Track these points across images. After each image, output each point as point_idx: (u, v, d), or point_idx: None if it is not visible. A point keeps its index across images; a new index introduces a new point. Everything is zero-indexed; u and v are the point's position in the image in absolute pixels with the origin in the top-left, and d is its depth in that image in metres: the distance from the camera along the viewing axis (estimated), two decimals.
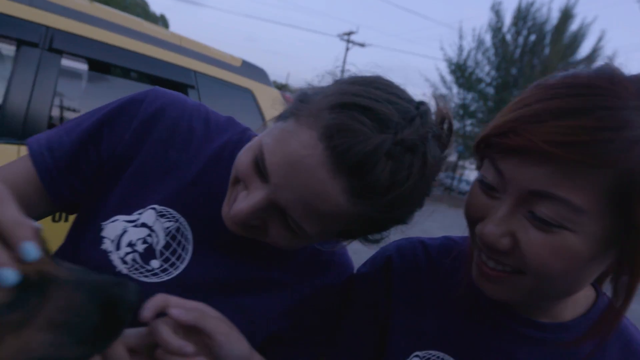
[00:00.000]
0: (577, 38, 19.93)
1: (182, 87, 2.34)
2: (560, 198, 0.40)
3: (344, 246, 0.67)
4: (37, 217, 0.63)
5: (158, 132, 0.62)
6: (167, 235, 0.59)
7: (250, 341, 0.57)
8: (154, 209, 0.60)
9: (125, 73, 2.17)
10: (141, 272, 0.58)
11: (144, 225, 0.59)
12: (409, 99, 0.52)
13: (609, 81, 0.42)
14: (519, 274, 0.46)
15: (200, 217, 0.61)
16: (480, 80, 21.78)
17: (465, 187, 28.50)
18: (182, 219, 0.61)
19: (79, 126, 0.63)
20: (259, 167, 0.51)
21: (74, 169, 0.61)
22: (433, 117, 0.55)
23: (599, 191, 0.40)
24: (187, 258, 0.60)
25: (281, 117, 0.55)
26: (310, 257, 0.67)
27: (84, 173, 0.62)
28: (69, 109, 1.96)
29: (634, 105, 0.40)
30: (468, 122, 23.02)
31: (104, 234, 0.59)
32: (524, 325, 0.55)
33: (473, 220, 0.49)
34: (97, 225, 0.59)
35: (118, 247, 0.58)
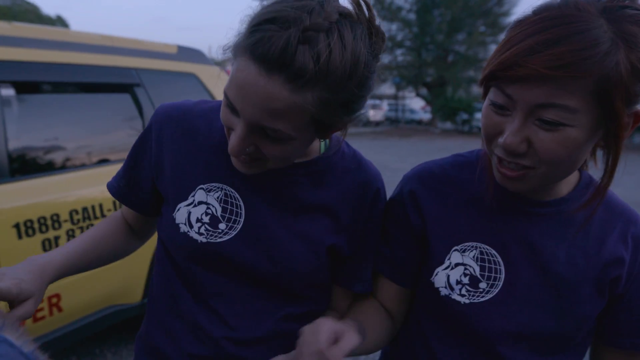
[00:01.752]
0: None
1: (128, 87, 2.29)
2: (560, 105, 0.54)
3: (341, 142, 0.79)
4: (143, 228, 0.92)
5: (172, 133, 0.78)
6: (219, 202, 0.74)
7: (316, 259, 0.74)
8: (201, 188, 0.75)
9: (65, 87, 2.10)
10: (216, 236, 0.73)
11: (200, 202, 0.74)
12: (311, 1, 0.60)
13: (575, 8, 0.54)
14: (532, 169, 0.60)
15: (236, 178, 0.75)
16: (400, 9, 21.85)
17: (410, 116, 29.13)
18: (224, 186, 0.75)
19: (125, 161, 0.85)
20: (231, 108, 0.62)
21: (131, 185, 0.83)
22: (347, 5, 0.63)
23: (586, 94, 0.53)
24: (243, 212, 0.74)
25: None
26: (341, 173, 0.78)
27: (141, 186, 0.82)
28: (23, 141, 1.89)
29: (598, 24, 0.53)
30: (398, 52, 23.25)
31: (177, 221, 0.74)
32: (533, 205, 0.69)
33: (491, 136, 0.62)
34: (170, 217, 0.76)
35: (191, 226, 0.74)
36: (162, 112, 0.80)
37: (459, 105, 21.61)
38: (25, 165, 1.87)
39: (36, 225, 1.77)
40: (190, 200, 0.74)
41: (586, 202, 0.66)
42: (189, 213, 0.74)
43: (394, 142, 15.97)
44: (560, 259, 0.68)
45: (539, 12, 0.56)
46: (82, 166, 2.08)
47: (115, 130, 2.29)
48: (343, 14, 0.60)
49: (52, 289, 1.83)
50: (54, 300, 1.85)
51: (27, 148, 1.91)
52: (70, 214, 1.89)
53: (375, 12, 0.65)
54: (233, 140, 0.63)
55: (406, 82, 23.64)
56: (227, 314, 0.75)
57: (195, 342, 0.75)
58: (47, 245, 1.80)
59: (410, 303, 0.83)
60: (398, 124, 26.47)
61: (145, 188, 0.82)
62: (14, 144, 1.83)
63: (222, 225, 0.73)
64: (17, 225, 1.72)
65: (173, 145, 0.77)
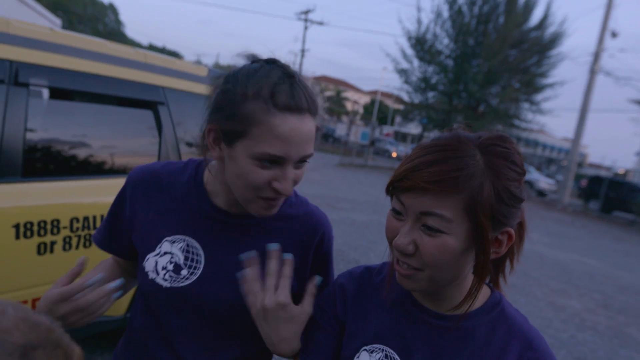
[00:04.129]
0: (529, 5, 20.37)
1: (152, 105, 2.35)
2: (438, 214, 0.64)
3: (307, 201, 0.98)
4: (126, 270, 1.02)
5: (142, 192, 0.92)
6: (182, 251, 0.87)
7: None
8: (167, 240, 0.88)
9: (92, 97, 2.16)
10: (178, 281, 0.85)
11: (166, 253, 0.87)
12: (264, 62, 0.79)
13: (457, 140, 0.67)
14: (421, 270, 0.69)
15: (197, 230, 0.88)
16: (439, 53, 22.05)
17: None
18: (187, 237, 0.88)
19: (107, 216, 0.98)
20: (270, 164, 0.76)
21: (113, 236, 0.97)
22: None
23: (458, 207, 0.64)
24: (203, 259, 0.87)
25: (233, 139, 0.77)
26: (290, 220, 0.92)
27: (121, 237, 0.95)
28: (41, 146, 1.95)
29: (471, 154, 0.65)
30: (430, 94, 23.37)
31: (146, 270, 0.87)
32: (435, 317, 0.76)
33: (390, 238, 0.72)
34: (141, 266, 0.89)
35: (157, 273, 0.86)
36: (134, 174, 0.93)
37: None
38: (37, 168, 1.92)
39: (35, 228, 1.81)
40: (157, 251, 0.87)
41: (458, 305, 0.73)
42: (156, 262, 0.86)
43: None
44: None
45: (434, 140, 0.69)
46: (91, 175, 2.12)
47: (131, 145, 2.34)
48: (286, 64, 0.80)
49: (37, 292, 1.85)
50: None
51: (43, 151, 1.96)
52: (71, 221, 1.92)
53: None
54: (287, 184, 0.78)
55: (433, 124, 23.66)
56: (186, 351, 0.87)
57: None
58: (42, 249, 1.83)
59: None
60: None
61: (125, 238, 0.95)
62: (31, 146, 1.89)
63: (184, 272, 0.86)
64: (16, 226, 1.75)
65: (144, 204, 0.90)
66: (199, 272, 0.86)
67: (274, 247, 0.81)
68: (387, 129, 46.05)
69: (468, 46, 21.30)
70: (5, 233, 1.73)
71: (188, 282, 0.85)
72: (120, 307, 2.25)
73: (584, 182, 19.44)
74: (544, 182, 21.46)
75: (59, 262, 1.89)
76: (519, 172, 0.68)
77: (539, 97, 21.79)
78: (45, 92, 1.96)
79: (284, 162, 0.76)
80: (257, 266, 0.79)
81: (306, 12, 32.09)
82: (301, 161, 0.79)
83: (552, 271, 6.79)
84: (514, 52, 20.74)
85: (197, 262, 0.86)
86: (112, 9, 37.39)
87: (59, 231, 1.89)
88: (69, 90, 2.04)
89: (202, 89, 2.67)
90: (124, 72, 2.20)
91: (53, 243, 1.87)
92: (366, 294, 0.83)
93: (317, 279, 0.82)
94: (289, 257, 0.80)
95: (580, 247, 9.51)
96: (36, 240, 1.82)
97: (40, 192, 1.87)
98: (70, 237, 1.93)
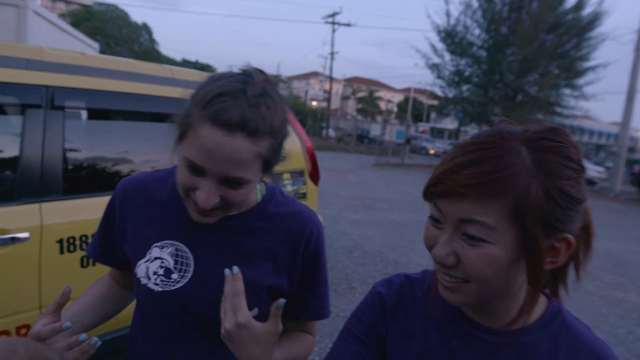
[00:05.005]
0: None
1: None
2: (479, 221, 0.58)
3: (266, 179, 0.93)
4: (130, 282, 1.03)
5: (130, 203, 0.95)
6: (172, 256, 0.88)
7: (258, 300, 0.86)
8: (156, 246, 0.89)
9: (123, 115, 2.26)
10: (169, 284, 0.87)
11: (156, 258, 0.88)
12: (235, 74, 0.79)
13: (499, 137, 0.60)
14: (467, 282, 0.62)
15: (184, 234, 0.89)
16: (471, 44, 21.52)
17: None
18: (175, 242, 0.89)
19: (99, 228, 1.01)
20: (194, 170, 0.76)
21: (106, 248, 1.00)
22: (257, 75, 0.81)
23: (502, 213, 0.57)
24: (192, 262, 0.88)
25: (179, 139, 0.80)
26: (276, 219, 0.92)
27: (115, 247, 0.98)
28: (78, 164, 2.06)
29: (515, 151, 0.58)
30: (465, 87, 22.84)
31: (138, 276, 0.89)
32: (488, 333, 0.69)
33: (430, 247, 0.65)
34: (134, 273, 0.91)
35: (149, 279, 0.88)
36: (122, 186, 0.97)
37: None
38: (77, 185, 2.02)
39: (77, 243, 1.90)
40: (147, 257, 0.89)
41: (513, 319, 0.65)
42: (147, 268, 0.88)
43: None
44: None
45: (473, 138, 0.63)
46: None
47: (164, 159, 2.42)
48: (265, 80, 0.79)
49: None
50: None
51: (81, 169, 2.06)
52: None
53: None
54: (202, 197, 0.76)
55: (470, 118, 23.10)
56: (179, 355, 0.88)
57: None
58: (85, 262, 1.92)
59: None
60: None
61: (118, 249, 0.97)
62: (70, 164, 1.99)
63: (174, 275, 0.87)
64: (60, 241, 1.85)
65: (132, 214, 0.93)
66: (190, 274, 0.87)
67: (229, 271, 0.77)
68: (423, 126, 45.32)
69: (501, 35, 20.68)
70: (50, 248, 1.82)
71: (179, 285, 0.86)
72: None
73: (636, 168, 18.37)
74: (592, 170, 20.44)
75: (101, 273, 1.97)
76: (575, 169, 0.59)
77: (580, 81, 20.86)
78: (81, 113, 2.06)
79: (204, 173, 0.75)
80: (236, 282, 0.76)
81: (333, 15, 32.17)
82: (231, 182, 0.76)
83: (605, 263, 6.45)
84: (551, 37, 19.95)
85: (187, 265, 0.87)
86: (146, 28, 38.83)
87: None
88: (102, 109, 2.13)
89: None
90: (152, 89, 2.28)
91: None
92: (407, 308, 0.77)
93: (281, 302, 0.76)
94: (235, 270, 0.77)
95: (635, 237, 8.99)
96: (79, 254, 1.91)
97: (80, 208, 1.96)
98: None
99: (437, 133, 47.09)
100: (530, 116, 20.68)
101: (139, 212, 0.93)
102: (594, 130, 50.33)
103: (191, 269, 0.87)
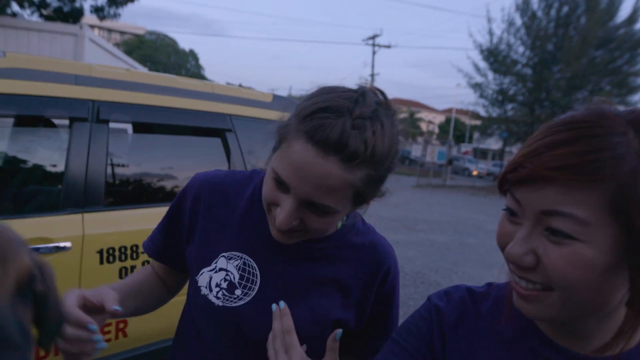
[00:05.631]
0: (615, 1, 18.80)
1: (220, 132, 2.45)
2: (566, 213, 0.47)
3: (363, 212, 0.84)
4: (173, 283, 1.00)
5: (204, 204, 0.87)
6: (238, 270, 0.81)
7: (320, 331, 0.79)
8: (223, 256, 0.83)
9: (165, 128, 2.31)
10: (231, 301, 0.80)
11: (221, 269, 0.82)
12: (349, 89, 0.71)
13: (598, 116, 0.50)
14: (548, 290, 0.51)
15: (256, 248, 0.82)
16: (515, 62, 21.01)
17: None
18: (244, 255, 0.82)
19: (161, 223, 0.94)
20: (279, 185, 0.69)
21: (165, 246, 0.93)
22: (372, 95, 0.73)
23: (597, 204, 0.46)
24: (258, 280, 0.81)
25: (274, 149, 0.74)
26: (355, 249, 0.84)
27: (174, 246, 0.91)
28: (121, 174, 2.11)
29: (619, 131, 0.48)
30: (509, 106, 22.23)
31: (199, 284, 0.83)
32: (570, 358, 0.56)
33: (503, 246, 0.55)
34: (194, 280, 0.84)
35: (211, 290, 0.81)
36: (197, 182, 0.89)
37: None
38: (118, 197, 2.06)
39: (117, 254, 1.92)
40: (212, 266, 0.83)
41: (607, 344, 0.52)
42: (210, 278, 0.82)
43: (494, 201, 15.04)
44: None
45: (562, 118, 0.53)
46: (164, 202, 2.23)
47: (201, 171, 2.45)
48: (378, 102, 0.71)
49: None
50: (121, 325, 1.96)
51: (123, 181, 2.10)
52: None
53: None
54: (281, 215, 0.70)
55: (515, 138, 22.38)
56: None
57: None
58: (124, 273, 1.94)
59: None
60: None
61: (179, 247, 0.90)
62: (112, 176, 2.04)
63: (237, 292, 0.80)
64: (100, 252, 1.88)
65: (205, 215, 0.86)
66: (254, 293, 0.80)
67: (277, 307, 0.72)
68: (465, 147, 44.40)
69: (547, 52, 20.06)
70: (90, 258, 1.85)
71: (241, 302, 0.79)
72: None
73: None
74: None
75: None
76: None
77: (635, 97, 19.81)
78: (125, 127, 2.12)
79: (288, 190, 0.69)
80: (285, 318, 0.70)
81: (373, 37, 32.45)
82: (315, 207, 0.69)
83: None
84: (601, 53, 19.16)
85: (252, 282, 0.81)
86: (193, 54, 40.61)
87: (137, 256, 1.99)
88: (146, 123, 2.19)
89: (268, 114, 2.74)
90: (193, 103, 2.33)
91: (133, 267, 1.98)
92: (469, 325, 0.66)
93: (338, 332, 0.71)
94: (282, 306, 0.71)
95: None
96: (118, 265, 1.93)
97: (120, 219, 1.99)
98: (148, 261, 2.02)
99: (480, 154, 45.94)
100: None
101: (212, 215, 0.85)
102: None
103: (256, 287, 0.80)
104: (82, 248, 1.83)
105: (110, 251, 1.90)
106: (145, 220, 2.08)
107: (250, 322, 0.79)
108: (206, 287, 0.81)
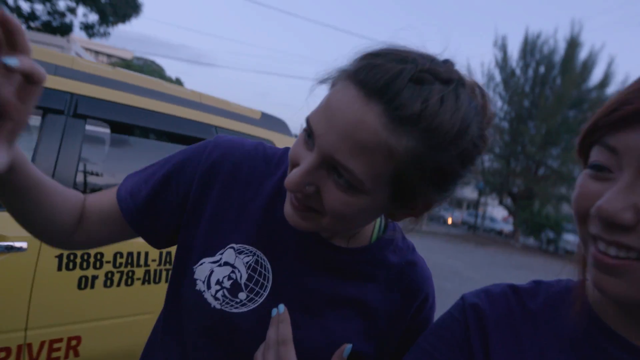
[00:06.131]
0: (588, 65, 19.91)
1: None
2: None
3: (407, 230, 0.67)
4: (122, 238, 0.75)
5: (222, 177, 0.68)
6: (248, 269, 0.65)
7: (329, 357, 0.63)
8: (232, 247, 0.66)
9: (147, 133, 2.18)
10: (231, 305, 0.64)
11: (226, 263, 0.65)
12: (435, 56, 0.55)
13: None
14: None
15: (274, 246, 0.66)
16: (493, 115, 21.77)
17: (490, 224, 27.76)
18: (258, 252, 0.66)
19: (153, 175, 0.71)
20: (307, 138, 0.55)
21: (151, 212, 0.70)
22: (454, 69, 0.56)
23: None
24: (269, 285, 0.65)
25: None
26: (389, 269, 0.69)
27: (162, 216, 0.70)
28: (94, 174, 1.95)
29: None
30: (486, 157, 22.80)
31: (196, 276, 0.66)
32: None
33: (583, 211, 0.46)
34: (190, 269, 0.67)
35: (209, 287, 0.65)
36: (221, 147, 0.70)
37: (545, 222, 20.25)
38: None
39: (78, 260, 1.74)
40: (217, 257, 0.66)
41: None
42: (211, 271, 0.65)
43: (470, 249, 15.12)
44: None
45: None
46: None
47: None
48: (464, 81, 0.55)
49: (74, 330, 1.74)
50: (73, 342, 1.75)
51: (94, 181, 1.94)
52: (115, 256, 1.85)
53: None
54: (296, 172, 0.54)
55: (490, 189, 22.85)
56: None
57: None
58: (83, 283, 1.75)
59: None
60: (476, 231, 25.29)
61: (168, 219, 0.70)
62: (83, 174, 1.88)
63: (242, 295, 0.65)
64: (60, 256, 1.69)
65: (221, 192, 0.68)
66: (261, 300, 0.64)
67: (278, 309, 0.61)
68: None
69: (523, 108, 20.91)
70: (48, 263, 1.66)
71: (244, 309, 0.64)
72: None
73: None
74: None
75: (98, 298, 1.79)
76: None
77: None
78: (102, 125, 1.98)
79: (312, 139, 0.54)
80: (283, 326, 0.60)
81: None
82: (336, 170, 0.53)
83: None
84: (574, 113, 20.07)
85: (261, 287, 0.65)
86: (179, 83, 40.88)
87: (101, 265, 1.80)
88: (125, 124, 2.05)
89: (255, 131, 2.65)
90: (179, 110, 2.22)
91: (95, 278, 1.79)
92: (516, 326, 0.55)
93: (347, 348, 0.61)
94: (281, 310, 0.61)
95: None
96: (78, 273, 1.74)
97: None
98: (112, 273, 1.84)
99: (455, 202, 46.66)
100: (553, 190, 20.34)
101: (228, 193, 0.68)
102: None
103: (265, 294, 0.65)
104: (39, 250, 1.64)
105: (71, 257, 1.72)
106: None
107: (250, 335, 0.63)
108: (204, 282, 0.65)
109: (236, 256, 0.66)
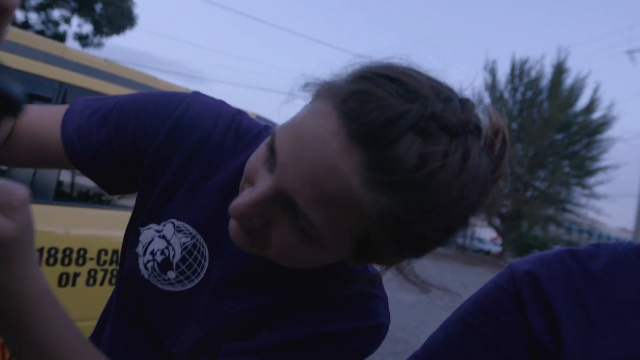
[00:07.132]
0: (575, 91, 20.37)
1: None
2: None
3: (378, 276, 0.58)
4: (53, 167, 0.69)
5: (187, 145, 0.59)
6: (183, 250, 0.59)
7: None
8: (172, 223, 0.59)
9: None
10: (158, 280, 0.60)
11: (164, 237, 0.60)
12: (451, 88, 0.45)
13: None
14: None
15: (218, 236, 0.58)
16: None
17: (478, 245, 27.85)
18: (198, 236, 0.59)
19: (109, 119, 0.59)
20: (269, 154, 0.44)
21: (101, 161, 0.60)
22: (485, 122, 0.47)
23: None
24: (202, 274, 0.59)
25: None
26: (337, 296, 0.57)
27: (113, 168, 0.61)
28: None
29: None
30: None
31: (140, 238, 0.61)
32: None
33: None
34: (136, 229, 0.62)
35: (144, 253, 0.60)
36: (193, 111, 0.59)
37: (533, 243, 20.40)
38: (73, 192, 1.82)
39: (60, 256, 1.65)
40: (160, 227, 0.60)
41: None
42: (152, 240, 0.60)
43: (458, 267, 15.11)
44: None
45: None
46: (125, 207, 1.99)
47: None
48: (479, 129, 0.44)
49: None
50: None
51: (78, 173, 1.87)
52: (99, 253, 1.76)
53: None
54: (245, 199, 0.44)
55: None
56: (164, 335, 0.61)
57: None
58: (64, 280, 1.66)
59: None
60: (465, 251, 25.35)
61: (111, 167, 0.60)
62: (70, 170, 1.81)
63: (171, 274, 0.59)
64: (40, 250, 1.60)
65: (179, 162, 0.59)
66: (190, 285, 0.59)
67: None
68: None
69: (511, 130, 21.15)
70: None
71: (170, 288, 0.59)
72: None
73: None
74: None
75: (80, 297, 1.70)
76: None
77: (591, 180, 20.97)
78: None
79: (273, 164, 0.44)
80: None
81: None
82: (293, 211, 0.43)
83: None
84: (561, 136, 20.43)
85: (194, 272, 0.59)
86: None
87: (84, 262, 1.72)
88: None
89: None
90: None
91: (77, 275, 1.69)
92: (580, 289, 0.49)
93: None
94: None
95: None
96: (59, 269, 1.65)
97: (70, 217, 1.74)
98: (95, 271, 1.75)
99: None
100: (541, 211, 20.52)
101: (188, 164, 0.59)
102: (602, 235, 49.79)
103: (196, 281, 0.59)
104: None
105: (52, 252, 1.63)
106: (101, 222, 1.84)
107: (167, 315, 0.61)
108: (142, 248, 0.60)
109: (174, 233, 0.59)
